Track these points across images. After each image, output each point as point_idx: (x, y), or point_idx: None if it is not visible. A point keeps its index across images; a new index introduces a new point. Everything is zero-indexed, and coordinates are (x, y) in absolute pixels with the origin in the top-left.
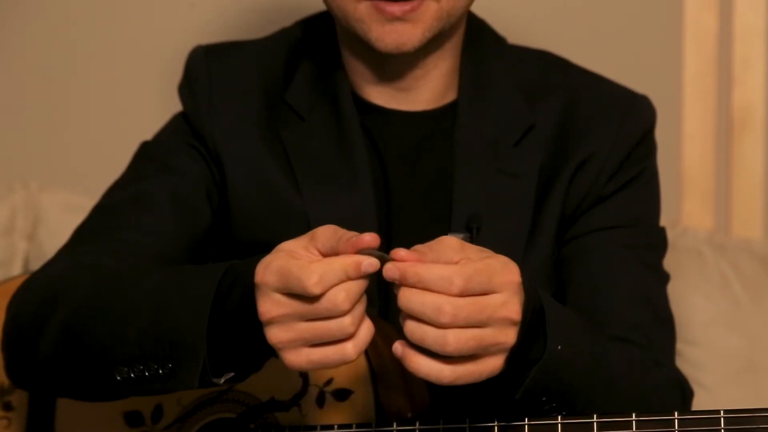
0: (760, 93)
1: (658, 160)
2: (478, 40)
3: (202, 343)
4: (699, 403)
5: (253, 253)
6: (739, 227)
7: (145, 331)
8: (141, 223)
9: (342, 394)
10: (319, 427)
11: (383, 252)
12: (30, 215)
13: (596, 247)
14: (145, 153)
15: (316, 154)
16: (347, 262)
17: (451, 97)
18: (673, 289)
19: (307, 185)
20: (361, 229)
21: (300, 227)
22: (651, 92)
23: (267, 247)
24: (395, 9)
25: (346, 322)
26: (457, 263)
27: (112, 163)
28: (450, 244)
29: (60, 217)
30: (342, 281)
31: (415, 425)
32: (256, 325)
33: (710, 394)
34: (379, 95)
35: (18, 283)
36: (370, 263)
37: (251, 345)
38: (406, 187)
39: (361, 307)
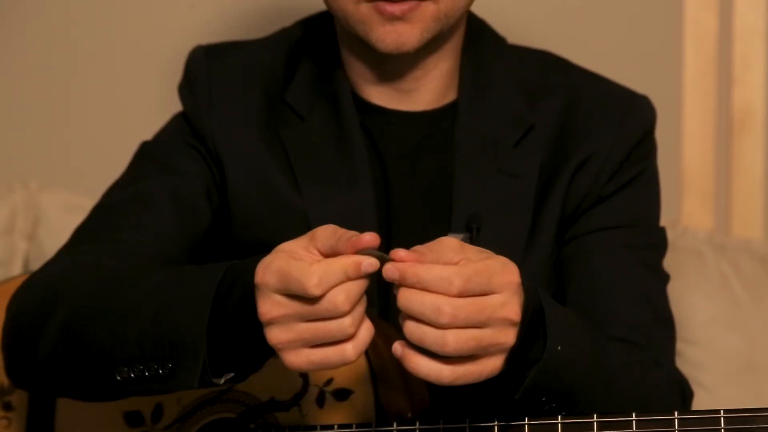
0: (760, 93)
1: (658, 160)
2: (478, 40)
3: (202, 343)
4: (699, 403)
5: (253, 253)
6: (739, 227)
7: (145, 331)
8: (141, 223)
9: (342, 394)
10: (319, 427)
11: (383, 252)
12: (30, 215)
13: (596, 247)
14: (145, 153)
15: (316, 154)
16: (347, 262)
17: (451, 97)
18: (673, 289)
19: (307, 185)
20: (361, 229)
21: (300, 227)
22: (651, 92)
23: (267, 247)
24: (395, 9)
25: (346, 323)
26: (456, 264)
27: (112, 163)
28: (449, 244)
29: (60, 217)
30: (342, 282)
31: (415, 425)
32: (256, 326)
33: (710, 394)
34: (379, 95)
35: (18, 283)
36: (369, 263)
37: (251, 345)
38: (406, 187)
39: (361, 308)
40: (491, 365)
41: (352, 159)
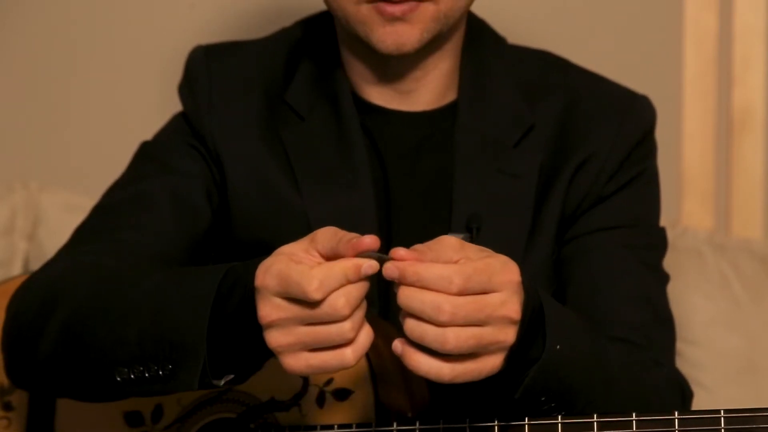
0: (760, 93)
1: (658, 160)
2: (478, 41)
3: (202, 345)
4: (699, 403)
5: (253, 252)
6: (739, 227)
7: (145, 332)
8: (141, 223)
9: (342, 394)
10: (319, 427)
11: (383, 252)
12: (30, 215)
13: (596, 247)
14: (145, 153)
15: (316, 154)
16: (347, 265)
17: (451, 97)
18: (673, 289)
19: (307, 185)
20: (361, 229)
21: (300, 227)
22: (651, 92)
23: (267, 247)
24: (395, 9)
25: (345, 328)
26: (456, 262)
27: (112, 163)
28: (449, 243)
29: (60, 217)
30: (342, 285)
31: (415, 425)
32: (255, 328)
33: (710, 394)
34: (380, 95)
35: (18, 283)
36: (369, 265)
37: (251, 347)
38: (406, 187)
39: (360, 313)
40: (491, 363)
41: (352, 159)
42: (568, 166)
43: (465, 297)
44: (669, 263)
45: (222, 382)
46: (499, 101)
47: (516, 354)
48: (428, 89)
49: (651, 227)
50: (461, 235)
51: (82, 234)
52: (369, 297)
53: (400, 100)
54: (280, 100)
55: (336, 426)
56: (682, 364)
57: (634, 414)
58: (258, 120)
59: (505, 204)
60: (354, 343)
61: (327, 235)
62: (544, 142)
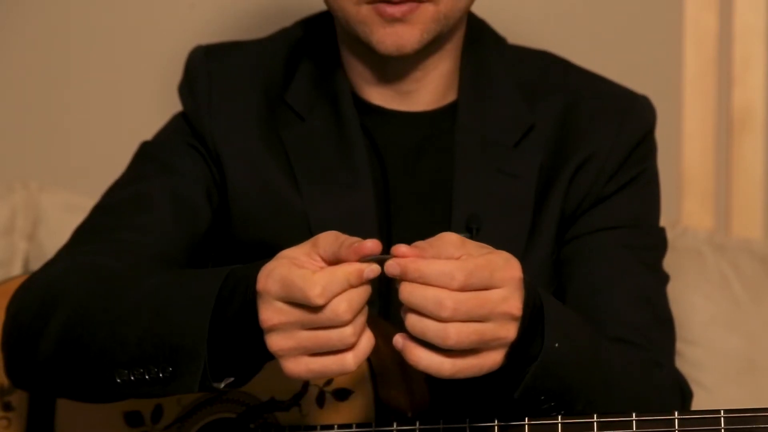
0: (760, 93)
1: (658, 160)
2: (478, 41)
3: (203, 347)
4: (699, 403)
5: (253, 252)
6: (739, 227)
7: (145, 334)
8: (141, 224)
9: (342, 394)
10: (319, 427)
11: (383, 253)
12: (30, 215)
13: (596, 248)
14: (145, 153)
15: (316, 154)
16: (349, 270)
17: (451, 97)
18: (673, 289)
19: (307, 185)
20: (361, 229)
21: (300, 227)
22: (651, 92)
23: (267, 247)
24: (395, 10)
25: (347, 333)
26: (457, 259)
27: (112, 163)
28: (450, 240)
29: (60, 217)
30: (344, 290)
31: (415, 425)
32: (256, 332)
33: (710, 394)
34: (380, 96)
35: (18, 283)
36: (371, 270)
37: (251, 351)
38: (406, 188)
39: (362, 318)
40: (492, 359)
41: (352, 159)
42: (568, 167)
43: (466, 293)
44: (669, 263)
45: (222, 385)
46: (499, 101)
47: (516, 351)
48: (428, 89)
49: (651, 227)
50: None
51: (82, 234)
52: (369, 298)
53: (400, 100)
54: (280, 100)
55: (336, 426)
56: (682, 364)
57: (634, 414)
58: (258, 120)
59: (505, 204)
60: (355, 348)
61: (329, 240)
62: (544, 143)
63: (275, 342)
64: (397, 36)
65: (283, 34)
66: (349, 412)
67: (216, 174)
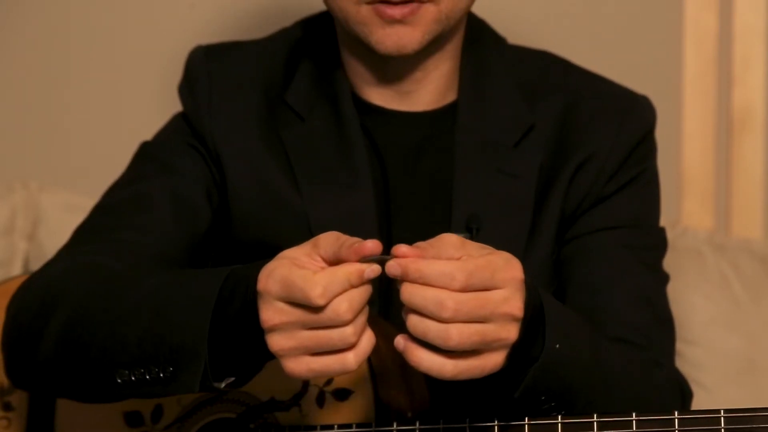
0: (760, 93)
1: (658, 160)
2: (478, 41)
3: (204, 347)
4: (699, 403)
5: (253, 253)
6: (739, 227)
7: (145, 334)
8: (141, 223)
9: (342, 394)
10: (319, 427)
11: (384, 253)
12: (30, 215)
13: (596, 248)
14: (145, 153)
15: (316, 154)
16: (350, 270)
17: (451, 97)
18: (673, 289)
19: (307, 185)
20: (361, 230)
21: (300, 227)
22: (651, 92)
23: (267, 247)
24: (395, 12)
25: (347, 332)
26: (458, 260)
27: (112, 163)
28: (450, 241)
29: (60, 217)
30: (345, 290)
31: (415, 425)
32: (256, 331)
33: (710, 394)
34: (380, 96)
35: (18, 283)
36: (372, 270)
37: (252, 350)
38: (406, 188)
39: (363, 317)
40: (493, 360)
41: (352, 159)
42: (568, 166)
43: (468, 293)
44: (669, 263)
45: (223, 385)
46: (499, 101)
47: (517, 352)
48: (428, 90)
49: (651, 227)
50: (461, 235)
51: (82, 234)
52: (370, 298)
53: (400, 100)
54: (280, 100)
55: (336, 426)
56: (682, 364)
57: (634, 414)
58: (258, 120)
59: (505, 204)
60: (356, 348)
61: (329, 240)
62: (544, 143)
63: (276, 342)
64: (397, 37)
65: (283, 34)
66: (349, 412)
67: (216, 174)
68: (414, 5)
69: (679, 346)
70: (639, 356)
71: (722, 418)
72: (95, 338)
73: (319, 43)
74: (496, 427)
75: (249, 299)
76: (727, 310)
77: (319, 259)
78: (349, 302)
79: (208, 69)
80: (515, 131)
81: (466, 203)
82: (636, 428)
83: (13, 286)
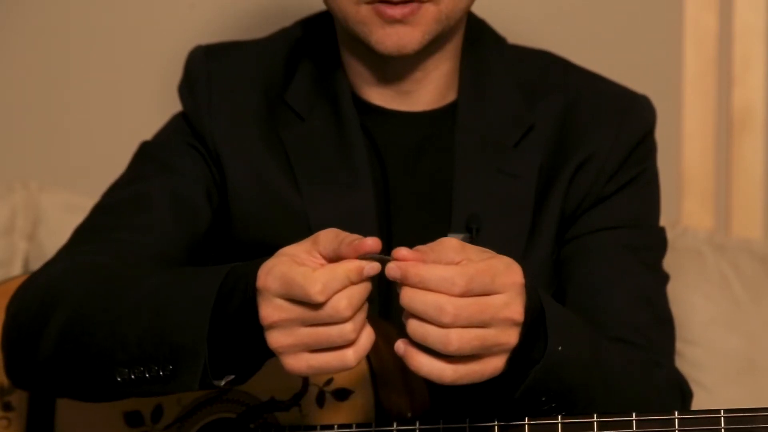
0: (760, 93)
1: (658, 160)
2: (478, 41)
3: (203, 345)
4: (699, 403)
5: (253, 253)
6: (739, 227)
7: (145, 333)
8: (141, 223)
9: (342, 394)
10: (319, 427)
11: (384, 252)
12: (30, 215)
13: (596, 248)
14: (145, 153)
15: (316, 154)
16: (350, 267)
17: (451, 97)
18: (673, 289)
19: (307, 185)
20: (361, 230)
21: (300, 227)
22: (651, 92)
23: (267, 247)
24: (395, 12)
25: (347, 329)
26: (457, 264)
27: (112, 163)
28: (451, 245)
29: (60, 217)
30: (345, 287)
31: (415, 425)
32: (256, 329)
33: (710, 394)
34: (380, 96)
35: (18, 283)
36: (372, 267)
37: (251, 348)
38: (406, 188)
39: (362, 314)
40: (493, 365)
41: (352, 159)
42: (568, 166)
43: (468, 298)
44: (669, 263)
45: (222, 383)
46: (499, 101)
47: (517, 355)
48: (428, 90)
49: (651, 227)
50: (461, 236)
51: (81, 234)
52: (369, 296)
53: (400, 100)
54: (280, 100)
55: (336, 426)
56: (682, 364)
57: (634, 414)
58: (258, 120)
59: (505, 204)
60: (355, 345)
61: (329, 237)
62: (544, 142)
63: (275, 339)
64: (397, 37)
65: (283, 34)
66: (349, 412)
67: (216, 174)
68: (414, 5)
69: (679, 346)
70: (639, 356)
71: (722, 418)
72: (95, 338)
73: (319, 43)
74: (496, 427)
75: (248, 296)
76: (727, 310)
77: (318, 256)
78: (349, 299)
79: (208, 69)
80: (515, 131)
81: (466, 203)
82: (636, 428)
83: (13, 286)
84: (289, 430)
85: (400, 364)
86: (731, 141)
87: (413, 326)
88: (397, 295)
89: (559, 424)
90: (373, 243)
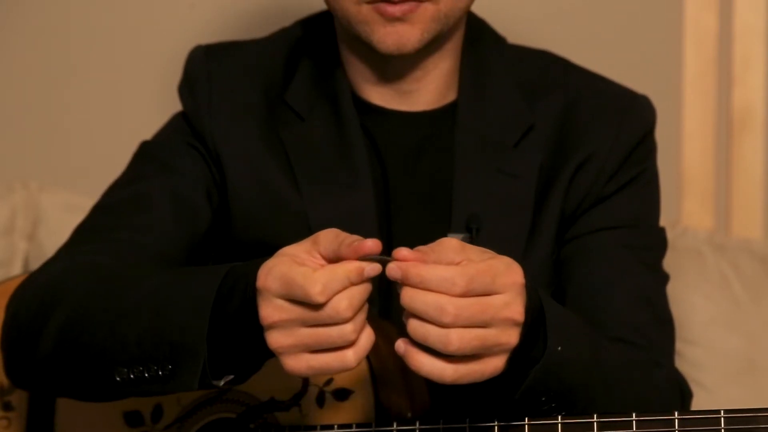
0: (760, 93)
1: (658, 160)
2: (478, 40)
3: (203, 345)
4: (699, 403)
5: (253, 253)
6: (739, 227)
7: (145, 332)
8: (141, 223)
9: (342, 394)
10: (319, 427)
11: (384, 252)
12: (30, 215)
13: (596, 248)
14: (145, 153)
15: (316, 154)
16: (350, 268)
17: (451, 97)
18: (673, 289)
19: (306, 185)
20: (361, 229)
21: (300, 227)
22: (651, 92)
23: (267, 247)
24: (395, 10)
25: (347, 330)
26: (458, 264)
27: (112, 163)
28: (451, 245)
29: (60, 217)
30: (345, 288)
31: (415, 425)
32: (256, 329)
33: (710, 394)
34: (380, 96)
35: (18, 283)
36: (372, 268)
37: (251, 348)
38: (406, 188)
39: (362, 315)
40: (493, 365)
41: (352, 159)
42: (568, 166)
43: (468, 299)
44: (669, 263)
45: (222, 383)
46: (499, 101)
47: (517, 355)
48: (428, 89)
49: (651, 227)
50: (461, 236)
51: (81, 234)
52: (370, 296)
53: (400, 100)
54: (280, 100)
55: (336, 426)
56: (682, 364)
57: (634, 414)
58: (258, 120)
59: (505, 204)
60: (355, 345)
61: (329, 237)
62: (544, 142)
63: (275, 339)
64: (397, 35)
65: (283, 34)
66: (349, 412)
67: (216, 174)
68: (413, 3)
69: (679, 346)
70: (639, 356)
71: (722, 419)
72: (94, 337)
73: (319, 43)
74: (496, 427)
75: (248, 297)
76: (727, 310)
77: (318, 256)
78: (349, 300)
79: (208, 69)
80: (515, 131)
81: (466, 203)
82: (636, 428)
83: (13, 286)
84: (289, 430)
85: (400, 364)
86: (731, 141)
87: (414, 326)
88: (397, 296)
89: (559, 424)
90: (372, 245)
